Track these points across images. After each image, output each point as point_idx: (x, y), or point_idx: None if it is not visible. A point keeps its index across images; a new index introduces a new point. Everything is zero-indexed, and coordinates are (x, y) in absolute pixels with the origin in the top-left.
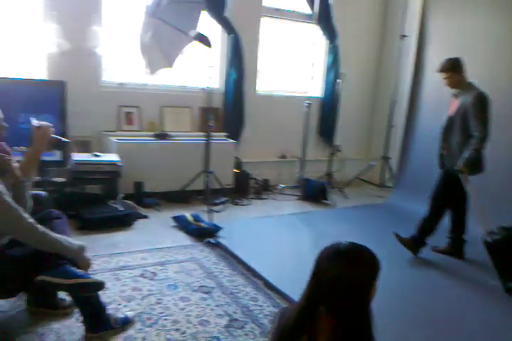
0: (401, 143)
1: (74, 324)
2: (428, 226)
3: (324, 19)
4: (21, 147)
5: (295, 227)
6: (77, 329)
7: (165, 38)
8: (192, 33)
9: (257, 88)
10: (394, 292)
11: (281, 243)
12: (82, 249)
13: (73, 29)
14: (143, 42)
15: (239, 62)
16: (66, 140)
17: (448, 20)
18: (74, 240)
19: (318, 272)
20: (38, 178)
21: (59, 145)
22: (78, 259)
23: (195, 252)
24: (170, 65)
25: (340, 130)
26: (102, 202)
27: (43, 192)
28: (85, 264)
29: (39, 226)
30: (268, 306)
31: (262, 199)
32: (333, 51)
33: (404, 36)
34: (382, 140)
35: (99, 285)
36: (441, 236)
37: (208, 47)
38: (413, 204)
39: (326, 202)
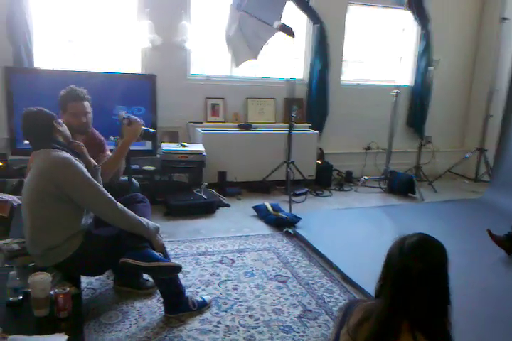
0: (499, 134)
1: (155, 304)
2: None
3: (416, 3)
4: (114, 137)
5: (377, 221)
6: (157, 309)
7: (250, 30)
8: (276, 24)
9: (343, 78)
10: (484, 292)
11: (361, 236)
12: (156, 230)
13: (164, 25)
14: (228, 35)
15: (324, 51)
16: (153, 130)
17: None
18: (150, 221)
19: (389, 265)
20: (124, 166)
21: (148, 136)
22: (153, 240)
23: (273, 241)
24: (255, 56)
25: (431, 120)
26: (188, 190)
27: (134, 180)
28: (159, 245)
29: (118, 203)
30: (344, 299)
31: (344, 191)
32: (425, 37)
33: (505, 19)
34: (478, 131)
35: (176, 269)
36: None
37: (292, 38)
38: (511, 201)
39: (412, 195)
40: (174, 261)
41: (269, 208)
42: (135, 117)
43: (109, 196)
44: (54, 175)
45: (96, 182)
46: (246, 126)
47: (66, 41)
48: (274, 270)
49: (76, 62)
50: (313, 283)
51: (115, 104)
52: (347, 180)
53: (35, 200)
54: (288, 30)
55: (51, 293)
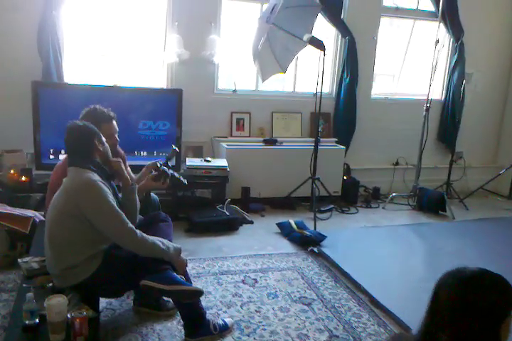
0: None
1: (175, 326)
2: None
3: (450, 15)
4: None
5: (407, 240)
6: (178, 333)
7: (278, 43)
8: (305, 37)
9: (372, 91)
10: None
11: (390, 256)
12: (178, 251)
13: (192, 39)
14: (255, 49)
15: (353, 65)
16: (185, 182)
17: None
18: (170, 243)
19: (437, 300)
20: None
21: (179, 185)
22: (174, 262)
23: (297, 261)
24: (283, 70)
25: (463, 135)
26: (211, 206)
27: (155, 196)
28: (181, 266)
29: (138, 231)
30: (372, 324)
31: (371, 208)
32: (458, 49)
33: None
34: None
35: (198, 293)
36: None
37: (321, 51)
38: None
39: (443, 213)
40: (195, 286)
41: (294, 225)
42: (168, 172)
43: (130, 225)
44: (77, 197)
45: (119, 211)
46: (271, 141)
47: (96, 56)
48: (298, 291)
49: (104, 76)
50: (339, 307)
51: (140, 118)
52: (374, 197)
53: (57, 219)
54: (318, 44)
55: (68, 316)
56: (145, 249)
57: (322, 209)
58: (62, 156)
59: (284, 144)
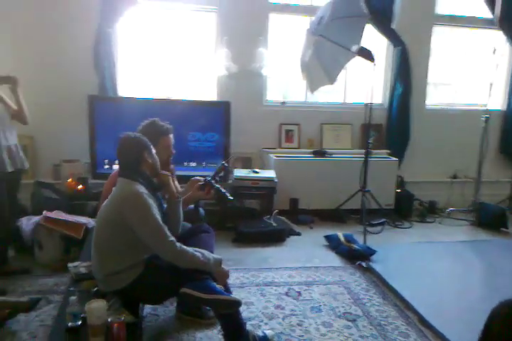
0: None
1: (216, 335)
2: None
3: (508, 21)
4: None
5: (463, 258)
6: None
7: (326, 54)
8: (354, 48)
9: (427, 102)
10: None
11: (444, 274)
12: (218, 263)
13: (241, 52)
14: (303, 61)
15: (406, 75)
16: (231, 198)
17: None
18: (211, 254)
19: (489, 334)
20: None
21: (222, 199)
22: (214, 273)
23: (344, 275)
24: (331, 81)
25: None
26: (258, 216)
27: (201, 209)
28: (221, 277)
29: (178, 244)
30: None
31: (426, 222)
32: None
33: None
34: None
35: (236, 304)
36: None
37: (371, 62)
38: None
39: (505, 230)
40: (234, 296)
41: (342, 238)
42: (212, 185)
43: (171, 238)
44: (123, 207)
45: (162, 224)
46: (321, 153)
47: (149, 70)
48: (343, 306)
49: (157, 89)
50: (386, 324)
51: (190, 130)
52: (430, 211)
53: (103, 226)
54: (367, 54)
55: (108, 320)
56: (184, 261)
57: (373, 222)
58: (115, 166)
59: (333, 156)
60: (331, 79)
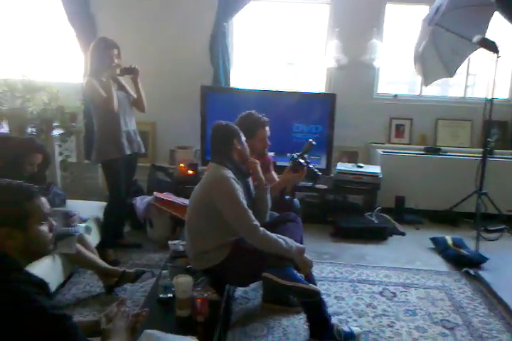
0: None
1: (302, 325)
2: None
3: None
4: (290, 154)
5: None
6: (303, 331)
7: (444, 45)
8: (475, 39)
9: None
10: None
11: None
12: (300, 251)
13: (352, 44)
14: (417, 52)
15: None
16: (320, 174)
17: None
18: (294, 242)
19: None
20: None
21: (313, 177)
22: (296, 260)
23: (447, 280)
24: (450, 74)
25: None
26: (359, 212)
27: (296, 200)
28: (304, 266)
29: (261, 229)
30: None
31: None
32: None
33: None
34: None
35: (313, 293)
36: None
37: (495, 54)
38: None
39: None
40: (314, 286)
41: (449, 242)
42: (304, 163)
43: (254, 222)
44: (211, 189)
45: (246, 207)
46: (434, 150)
47: (261, 62)
48: (441, 313)
49: (267, 81)
50: (488, 337)
51: (294, 121)
52: None
53: (195, 207)
54: (490, 45)
55: (193, 295)
56: (267, 245)
57: (490, 228)
58: None
59: (448, 153)
60: (450, 72)
